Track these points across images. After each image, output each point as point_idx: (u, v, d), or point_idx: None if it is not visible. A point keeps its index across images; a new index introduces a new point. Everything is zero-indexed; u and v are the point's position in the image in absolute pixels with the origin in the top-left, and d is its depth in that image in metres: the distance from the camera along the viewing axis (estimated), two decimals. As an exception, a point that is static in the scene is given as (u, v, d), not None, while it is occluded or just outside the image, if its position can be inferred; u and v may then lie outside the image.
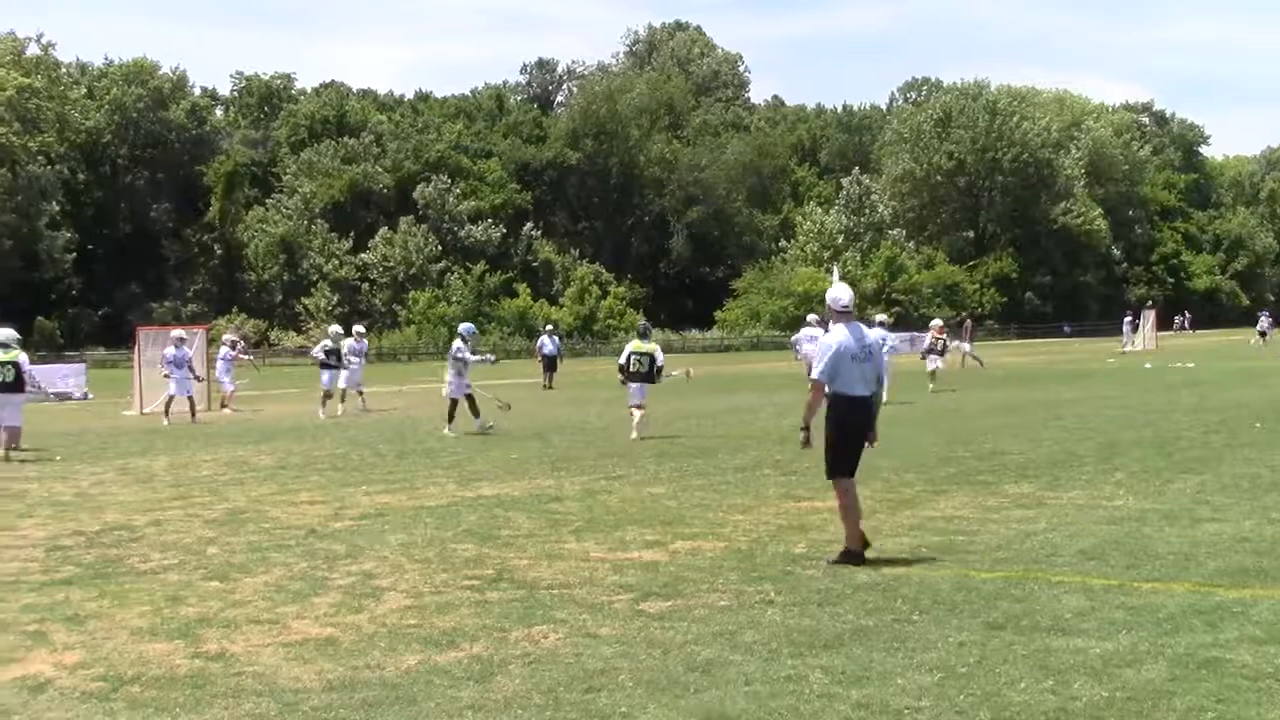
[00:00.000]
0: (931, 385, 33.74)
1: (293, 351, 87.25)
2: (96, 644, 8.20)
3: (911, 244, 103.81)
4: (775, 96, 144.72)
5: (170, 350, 29.36)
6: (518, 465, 18.02)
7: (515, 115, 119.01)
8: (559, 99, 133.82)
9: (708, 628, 8.21)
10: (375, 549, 11.34)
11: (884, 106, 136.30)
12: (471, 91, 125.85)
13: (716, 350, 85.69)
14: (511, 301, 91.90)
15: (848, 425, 10.37)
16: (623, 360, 23.07)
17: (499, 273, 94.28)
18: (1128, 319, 65.50)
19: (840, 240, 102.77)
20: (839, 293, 10.64)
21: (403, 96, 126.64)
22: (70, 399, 37.72)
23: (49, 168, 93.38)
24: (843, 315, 10.50)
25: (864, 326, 10.95)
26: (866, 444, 10.68)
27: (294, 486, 16.19)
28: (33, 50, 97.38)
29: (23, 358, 21.72)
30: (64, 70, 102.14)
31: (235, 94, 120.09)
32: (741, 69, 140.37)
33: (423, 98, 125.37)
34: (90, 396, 40.00)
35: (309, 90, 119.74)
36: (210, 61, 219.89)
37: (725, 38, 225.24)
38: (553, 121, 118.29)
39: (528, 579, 9.88)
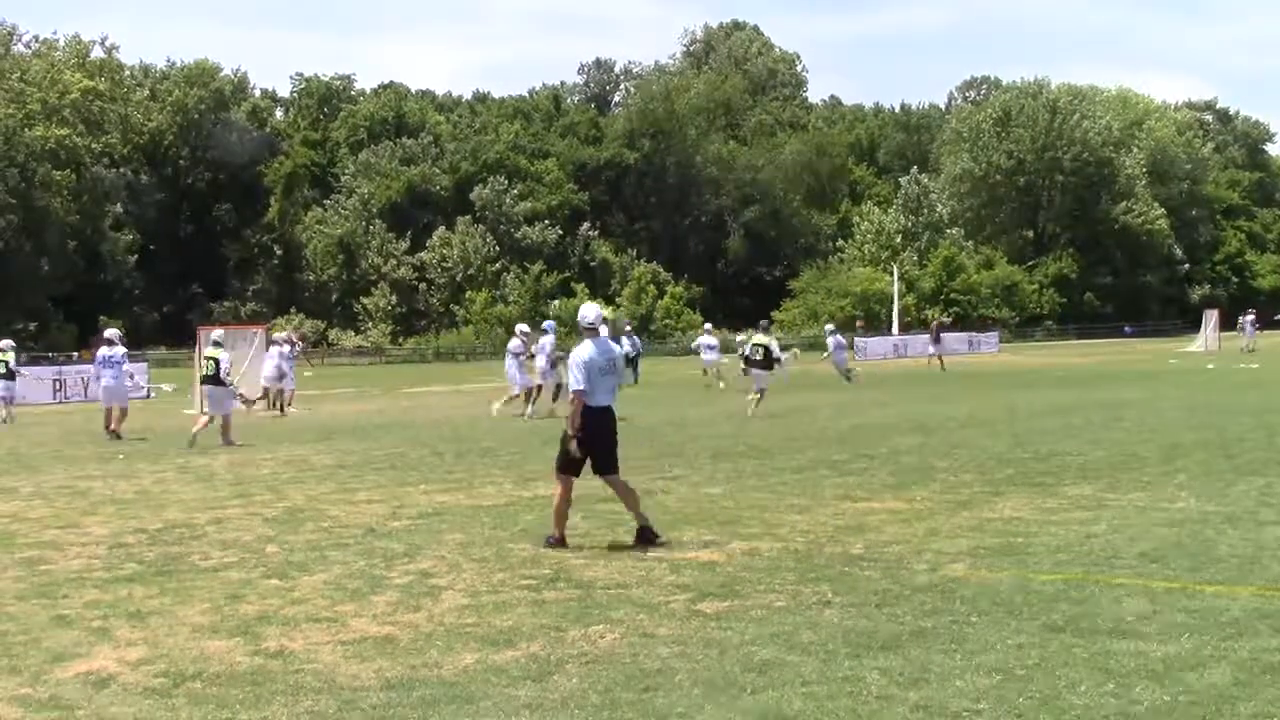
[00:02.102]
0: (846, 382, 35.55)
1: (350, 351, 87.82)
2: (158, 640, 8.28)
3: (970, 244, 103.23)
4: (833, 96, 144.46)
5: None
6: (574, 465, 18.02)
7: (572, 115, 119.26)
8: (616, 99, 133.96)
9: (765, 628, 8.19)
10: (433, 548, 11.39)
11: (942, 105, 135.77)
12: (529, 92, 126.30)
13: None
14: (569, 301, 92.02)
15: (594, 431, 11.29)
16: (746, 351, 28.78)
17: (556, 273, 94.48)
18: (1249, 316, 64.30)
19: (898, 240, 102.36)
20: (586, 311, 11.91)
21: (461, 97, 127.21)
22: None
23: (112, 169, 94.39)
24: (589, 331, 11.61)
25: (611, 340, 12.00)
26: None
27: (352, 485, 16.28)
28: (97, 53, 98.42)
29: (223, 356, 24.20)
30: (127, 73, 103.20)
31: (295, 95, 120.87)
32: (799, 68, 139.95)
33: (480, 98, 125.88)
34: (152, 395, 40.40)
35: (368, 91, 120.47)
36: (270, 63, 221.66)
37: (782, 37, 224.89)
38: (610, 121, 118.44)
39: (584, 578, 9.89)
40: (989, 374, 45.41)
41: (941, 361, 49.69)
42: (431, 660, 7.65)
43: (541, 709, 6.68)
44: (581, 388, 11.20)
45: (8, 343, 32.19)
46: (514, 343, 30.25)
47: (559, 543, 11.31)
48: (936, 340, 52.07)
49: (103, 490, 16.43)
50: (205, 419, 23.21)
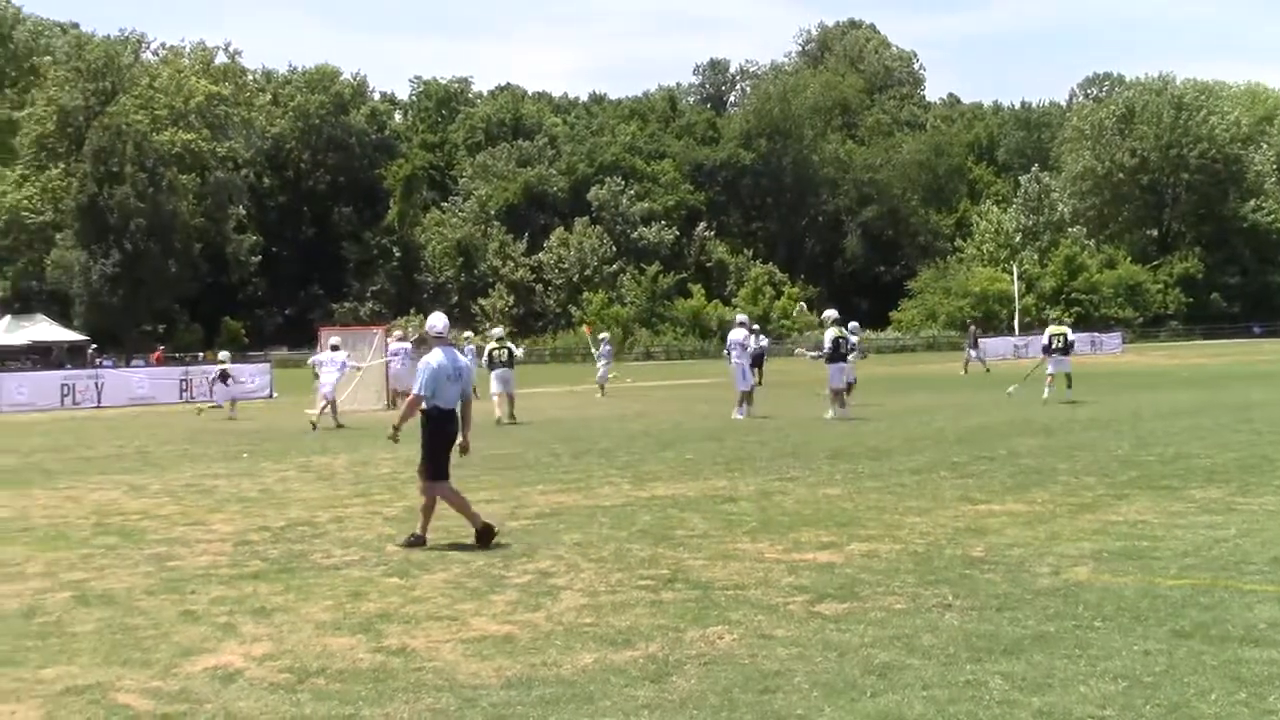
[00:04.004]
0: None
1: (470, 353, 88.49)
2: (282, 636, 8.41)
3: (1092, 243, 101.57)
4: (951, 94, 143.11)
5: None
6: (692, 466, 18.02)
7: (688, 116, 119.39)
8: (731, 99, 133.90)
9: (884, 631, 8.12)
10: (551, 548, 11.44)
11: (1063, 103, 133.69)
12: (644, 93, 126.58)
13: (891, 351, 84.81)
14: (685, 302, 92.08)
15: (442, 435, 11.91)
16: (1045, 340, 30.85)
17: (672, 273, 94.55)
18: None
19: (1018, 239, 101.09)
20: (434, 320, 12.55)
21: (577, 99, 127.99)
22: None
23: (235, 172, 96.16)
24: (439, 340, 12.23)
25: (457, 350, 12.57)
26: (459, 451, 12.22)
27: (471, 485, 16.35)
28: (221, 59, 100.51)
29: (513, 347, 30.39)
30: (250, 78, 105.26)
31: (414, 98, 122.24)
32: (916, 66, 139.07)
33: (597, 100, 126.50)
34: (275, 396, 41.12)
35: (485, 93, 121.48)
36: (390, 66, 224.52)
37: (899, 35, 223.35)
38: (726, 122, 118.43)
39: (702, 579, 9.87)
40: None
41: (966, 365, 49.92)
42: (551, 659, 7.68)
43: (660, 709, 6.68)
44: (422, 392, 11.77)
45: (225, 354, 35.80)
46: (737, 334, 28.81)
47: (488, 532, 11.70)
48: (974, 345, 52.40)
49: (228, 488, 16.75)
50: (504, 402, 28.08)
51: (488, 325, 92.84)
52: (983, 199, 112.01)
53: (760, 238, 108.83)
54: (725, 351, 29.52)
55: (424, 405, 11.86)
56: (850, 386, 29.65)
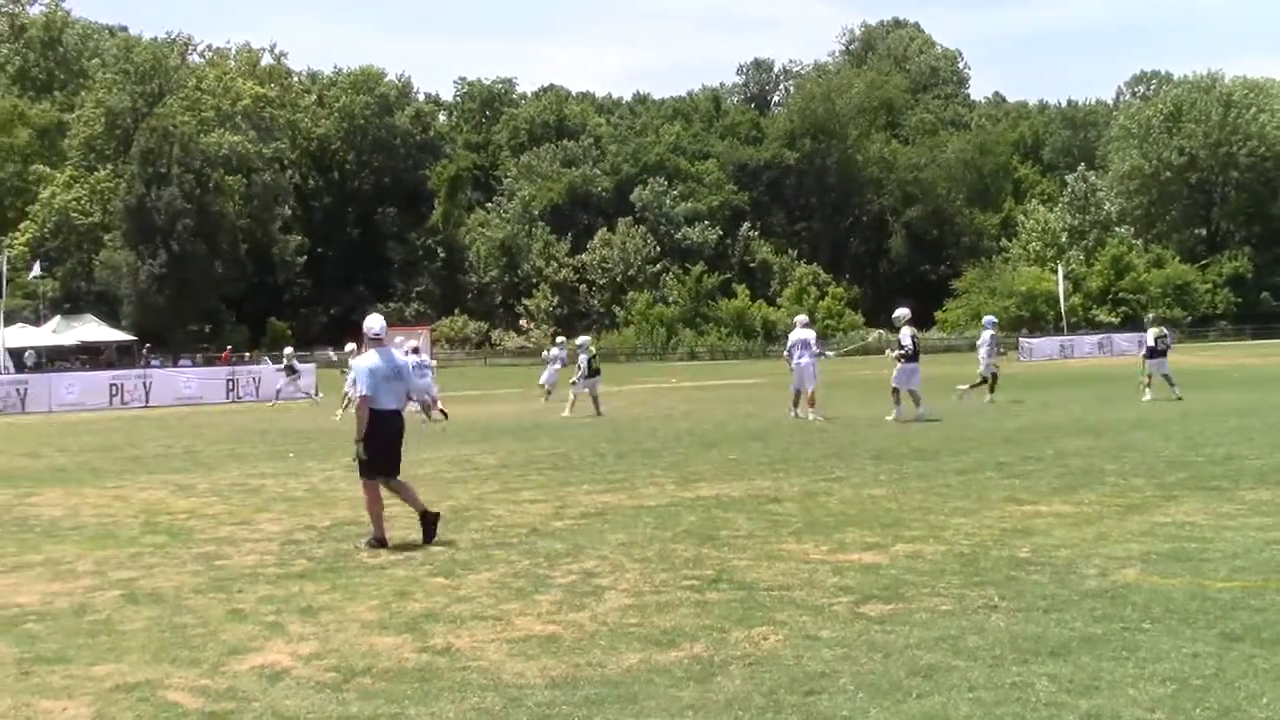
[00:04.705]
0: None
1: (513, 352, 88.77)
2: (329, 635, 8.45)
3: (1139, 242, 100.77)
4: (996, 93, 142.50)
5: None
6: (736, 466, 17.99)
7: (732, 116, 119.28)
8: (775, 99, 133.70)
9: (930, 632, 8.08)
10: (596, 548, 11.44)
11: (1110, 101, 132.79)
12: (688, 93, 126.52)
13: (937, 351, 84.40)
14: (730, 302, 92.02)
15: (379, 435, 11.93)
16: (1150, 340, 30.93)
17: (716, 274, 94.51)
18: None
19: (1064, 239, 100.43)
20: (370, 323, 12.75)
21: (621, 99, 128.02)
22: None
23: (281, 174, 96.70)
24: (374, 342, 12.50)
25: (394, 351, 12.86)
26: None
27: (516, 485, 16.43)
28: (266, 61, 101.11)
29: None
30: (295, 79, 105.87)
31: (458, 99, 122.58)
32: (961, 65, 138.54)
33: (640, 100, 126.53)
34: (320, 396, 41.27)
35: (529, 94, 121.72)
36: (434, 67, 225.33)
37: (944, 34, 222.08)
38: (770, 122, 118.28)
39: (747, 580, 9.85)
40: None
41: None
42: (595, 659, 7.68)
43: (705, 710, 6.67)
44: (367, 393, 11.92)
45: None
46: (804, 333, 27.56)
47: (380, 543, 11.78)
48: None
49: (274, 488, 16.84)
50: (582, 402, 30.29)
51: (535, 325, 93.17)
52: (1028, 198, 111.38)
53: (804, 238, 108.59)
54: (786, 352, 27.67)
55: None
56: (995, 377, 31.30)
